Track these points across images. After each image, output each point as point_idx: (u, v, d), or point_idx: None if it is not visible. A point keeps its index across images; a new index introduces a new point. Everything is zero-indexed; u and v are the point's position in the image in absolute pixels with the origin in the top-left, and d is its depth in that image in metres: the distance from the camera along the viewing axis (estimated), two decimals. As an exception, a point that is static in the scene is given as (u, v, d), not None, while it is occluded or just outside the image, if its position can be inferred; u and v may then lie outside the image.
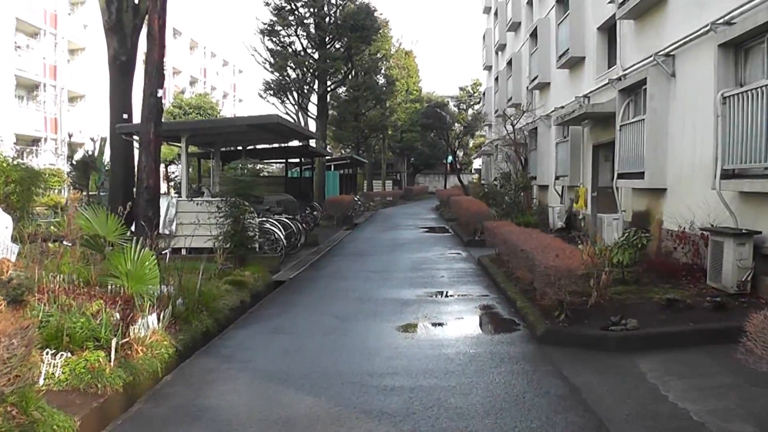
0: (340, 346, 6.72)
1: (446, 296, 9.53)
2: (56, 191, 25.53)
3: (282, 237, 12.78)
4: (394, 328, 7.43)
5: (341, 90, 38.85)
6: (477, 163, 70.80)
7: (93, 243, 6.38)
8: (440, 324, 7.75)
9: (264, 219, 13.36)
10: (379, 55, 38.26)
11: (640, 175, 10.82)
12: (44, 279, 6.44)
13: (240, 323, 7.95)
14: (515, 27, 25.27)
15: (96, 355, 5.05)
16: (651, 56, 10.52)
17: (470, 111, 57.05)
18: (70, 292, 6.44)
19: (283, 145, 18.36)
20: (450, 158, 46.61)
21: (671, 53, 10.02)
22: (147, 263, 6.28)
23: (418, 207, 38.94)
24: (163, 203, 13.03)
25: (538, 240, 8.40)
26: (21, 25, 34.10)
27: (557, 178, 17.14)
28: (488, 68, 35.05)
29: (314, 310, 8.63)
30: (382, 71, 40.21)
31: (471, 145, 60.96)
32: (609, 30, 14.18)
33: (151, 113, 9.71)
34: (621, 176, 11.91)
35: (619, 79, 12.40)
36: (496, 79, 30.13)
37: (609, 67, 14.03)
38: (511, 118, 19.79)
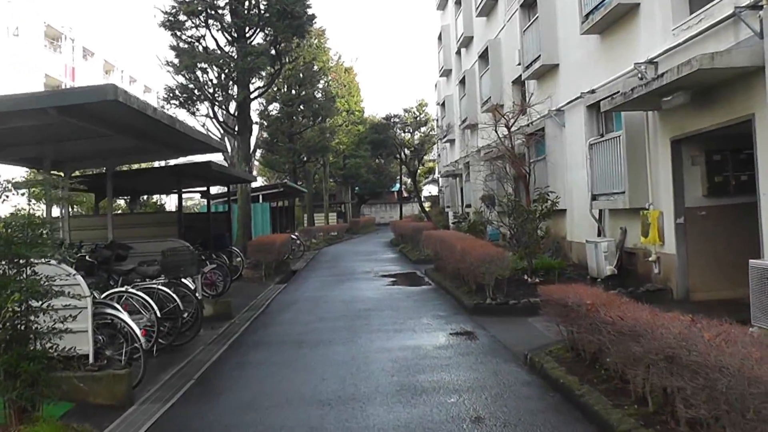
0: None
1: None
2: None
3: (137, 334, 6.36)
4: None
5: (272, 107, 32.72)
6: (427, 191, 65.58)
7: None
8: None
9: (111, 295, 7.11)
10: (316, 68, 32.33)
11: None
12: None
13: None
14: (489, 8, 19.73)
15: None
16: None
17: (417, 135, 51.58)
18: None
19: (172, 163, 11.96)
20: (402, 183, 40.81)
21: None
22: None
23: (369, 243, 32.68)
24: None
25: None
26: None
27: (594, 198, 11.34)
28: (447, 73, 29.51)
29: None
30: (320, 86, 34.21)
31: (419, 171, 55.36)
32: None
33: None
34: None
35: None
36: (462, 81, 24.48)
37: (695, 10, 8.43)
38: (507, 116, 13.97)
